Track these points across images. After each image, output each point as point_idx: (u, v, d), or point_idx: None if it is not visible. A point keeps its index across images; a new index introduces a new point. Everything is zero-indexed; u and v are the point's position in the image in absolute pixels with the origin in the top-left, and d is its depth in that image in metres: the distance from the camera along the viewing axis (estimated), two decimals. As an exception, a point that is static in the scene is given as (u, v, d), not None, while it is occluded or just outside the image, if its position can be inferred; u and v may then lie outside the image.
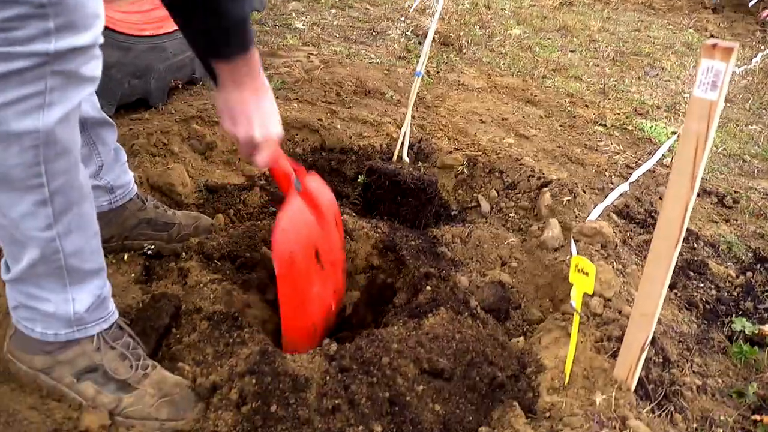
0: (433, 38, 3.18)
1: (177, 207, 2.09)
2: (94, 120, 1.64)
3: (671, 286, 2.05)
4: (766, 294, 2.13)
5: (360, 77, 3.42)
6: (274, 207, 2.18)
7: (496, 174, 2.59)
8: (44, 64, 1.07)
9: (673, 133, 3.46)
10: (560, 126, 3.38)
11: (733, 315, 1.99)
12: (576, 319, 1.48)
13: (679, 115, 3.84)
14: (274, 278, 1.54)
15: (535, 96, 3.75)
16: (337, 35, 4.41)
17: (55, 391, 1.38)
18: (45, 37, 1.05)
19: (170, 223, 1.89)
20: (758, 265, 2.29)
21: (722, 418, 1.58)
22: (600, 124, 3.50)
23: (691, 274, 2.18)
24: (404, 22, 4.90)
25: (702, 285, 2.13)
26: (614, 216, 2.40)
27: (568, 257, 1.98)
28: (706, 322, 1.96)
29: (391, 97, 3.32)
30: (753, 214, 2.72)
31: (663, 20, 6.31)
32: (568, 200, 2.29)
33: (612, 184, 2.72)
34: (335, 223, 1.80)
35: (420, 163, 2.61)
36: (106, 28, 2.35)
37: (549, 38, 5.19)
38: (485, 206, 2.46)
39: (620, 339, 1.59)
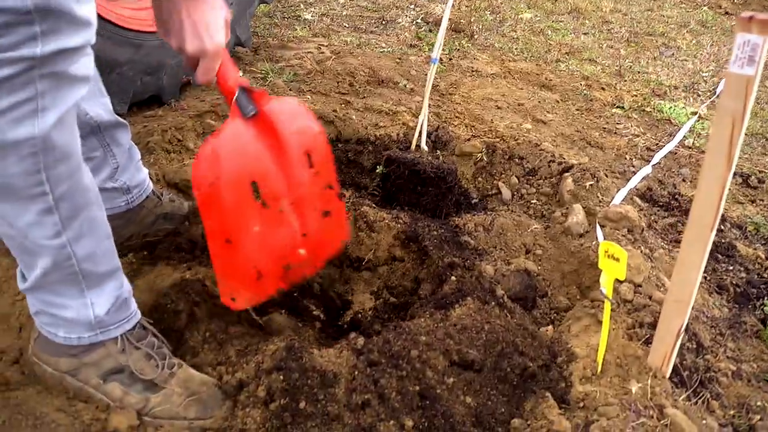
0: (446, 24, 3.13)
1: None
2: (108, 123, 1.61)
3: (700, 270, 2.00)
4: (797, 275, 2.07)
5: (372, 67, 3.38)
6: None
7: (516, 160, 2.55)
8: (31, 68, 1.02)
9: (693, 113, 3.39)
10: (577, 110, 3.33)
11: (765, 297, 1.94)
12: (607, 306, 1.44)
13: (699, 95, 3.76)
14: None
15: (550, 80, 3.69)
16: (347, 25, 4.37)
17: (81, 392, 1.37)
18: (31, 42, 1.00)
19: (187, 215, 1.88)
20: (788, 246, 2.24)
21: (759, 403, 1.54)
22: (618, 107, 3.44)
23: (720, 256, 2.13)
24: (414, 9, 4.84)
25: (731, 268, 2.08)
26: (637, 199, 2.36)
27: (594, 243, 1.94)
28: (737, 305, 1.91)
29: (405, 85, 3.28)
30: (779, 193, 2.67)
31: (676, -1, 6.21)
32: (591, 185, 2.24)
33: (633, 167, 2.66)
34: (307, 155, 1.50)
35: (438, 152, 2.57)
36: (117, 26, 2.37)
37: (561, 21, 5.11)
38: (506, 193, 2.42)
39: (652, 325, 1.56)
